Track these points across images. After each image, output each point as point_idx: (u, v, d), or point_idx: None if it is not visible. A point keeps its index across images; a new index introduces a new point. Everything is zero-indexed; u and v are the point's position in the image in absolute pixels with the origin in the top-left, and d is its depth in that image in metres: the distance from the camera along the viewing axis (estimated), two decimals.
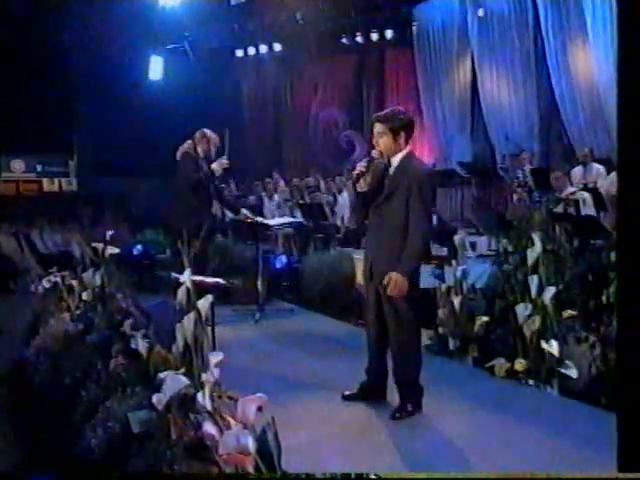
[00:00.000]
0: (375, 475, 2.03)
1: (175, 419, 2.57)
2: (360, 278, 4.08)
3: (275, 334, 5.92)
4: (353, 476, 2.11)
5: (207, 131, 6.06)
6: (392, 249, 3.64)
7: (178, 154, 6.06)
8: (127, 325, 3.80)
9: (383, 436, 3.49)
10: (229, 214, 10.60)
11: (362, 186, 3.70)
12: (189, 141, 6.05)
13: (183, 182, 6.02)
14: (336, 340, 5.60)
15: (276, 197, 11.49)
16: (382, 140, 3.67)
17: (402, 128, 3.68)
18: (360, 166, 3.68)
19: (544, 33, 10.83)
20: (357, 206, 3.93)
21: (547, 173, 7.92)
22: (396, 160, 3.70)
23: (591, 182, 8.12)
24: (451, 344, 4.88)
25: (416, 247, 3.61)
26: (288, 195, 11.64)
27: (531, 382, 4.16)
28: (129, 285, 5.34)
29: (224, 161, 5.99)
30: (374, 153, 3.71)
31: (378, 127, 3.69)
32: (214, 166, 5.97)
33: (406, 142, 3.71)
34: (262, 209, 10.45)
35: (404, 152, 3.70)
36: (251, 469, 2.09)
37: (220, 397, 2.71)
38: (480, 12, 11.75)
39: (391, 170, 3.71)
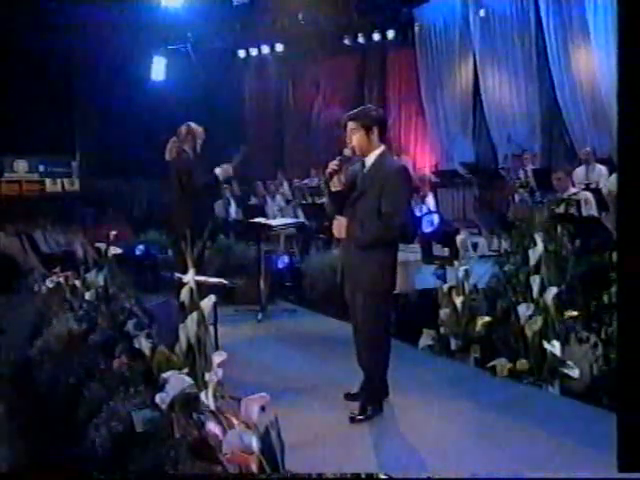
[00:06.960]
0: (385, 475, 2.03)
1: (178, 418, 2.58)
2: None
3: (277, 334, 5.93)
4: (363, 476, 2.11)
5: (192, 125, 5.77)
6: (364, 248, 3.62)
7: (168, 154, 5.75)
8: (130, 325, 3.81)
9: (384, 436, 3.50)
10: (232, 214, 10.64)
11: (335, 185, 3.66)
12: (174, 138, 5.76)
13: (183, 184, 5.66)
14: (338, 340, 5.59)
15: (278, 197, 11.50)
16: (355, 137, 3.64)
17: (374, 124, 3.64)
18: (333, 164, 3.62)
19: (546, 33, 10.84)
20: (330, 205, 3.80)
21: (549, 173, 7.90)
22: (370, 159, 3.67)
23: (593, 182, 8.12)
24: (453, 344, 4.88)
25: (378, 227, 3.56)
26: (290, 196, 11.64)
27: (533, 382, 4.16)
28: (132, 285, 5.36)
29: (229, 169, 5.72)
30: (346, 152, 3.67)
31: (350, 124, 3.66)
32: (217, 171, 5.72)
33: (380, 139, 3.68)
34: (265, 209, 10.44)
35: (378, 151, 3.67)
36: (255, 468, 2.10)
37: (223, 397, 2.73)
38: (482, 12, 11.76)
39: (365, 169, 3.68)
